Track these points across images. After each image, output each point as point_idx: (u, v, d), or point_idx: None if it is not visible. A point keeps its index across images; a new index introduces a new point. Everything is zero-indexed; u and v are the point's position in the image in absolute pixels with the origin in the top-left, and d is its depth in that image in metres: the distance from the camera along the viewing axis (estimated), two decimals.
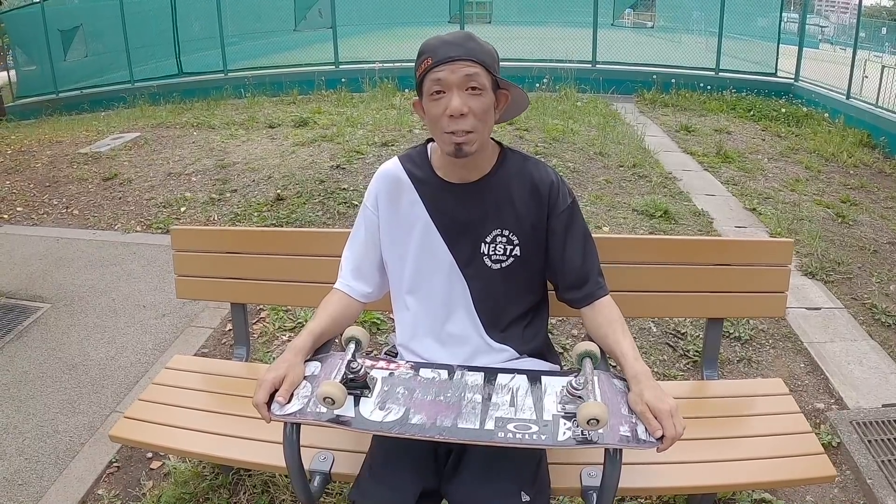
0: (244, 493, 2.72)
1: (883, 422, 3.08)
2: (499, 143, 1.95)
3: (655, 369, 3.50)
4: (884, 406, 3.24)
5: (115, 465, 3.01)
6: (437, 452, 1.83)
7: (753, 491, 2.64)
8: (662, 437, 1.55)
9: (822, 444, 2.76)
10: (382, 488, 1.76)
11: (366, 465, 1.86)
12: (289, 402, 1.68)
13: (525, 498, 1.71)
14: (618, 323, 1.86)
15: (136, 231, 5.87)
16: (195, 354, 3.77)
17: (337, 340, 1.92)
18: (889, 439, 2.96)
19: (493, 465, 1.73)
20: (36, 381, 3.63)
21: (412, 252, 1.94)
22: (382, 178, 1.98)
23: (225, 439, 2.21)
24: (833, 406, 3.29)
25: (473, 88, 1.70)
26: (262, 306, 4.15)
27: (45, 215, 6.49)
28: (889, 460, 2.84)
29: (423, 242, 1.92)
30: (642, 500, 2.65)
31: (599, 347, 1.81)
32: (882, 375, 3.49)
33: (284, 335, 3.87)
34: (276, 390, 1.69)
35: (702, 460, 2.07)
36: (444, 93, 1.70)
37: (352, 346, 1.76)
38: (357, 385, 1.68)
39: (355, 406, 1.66)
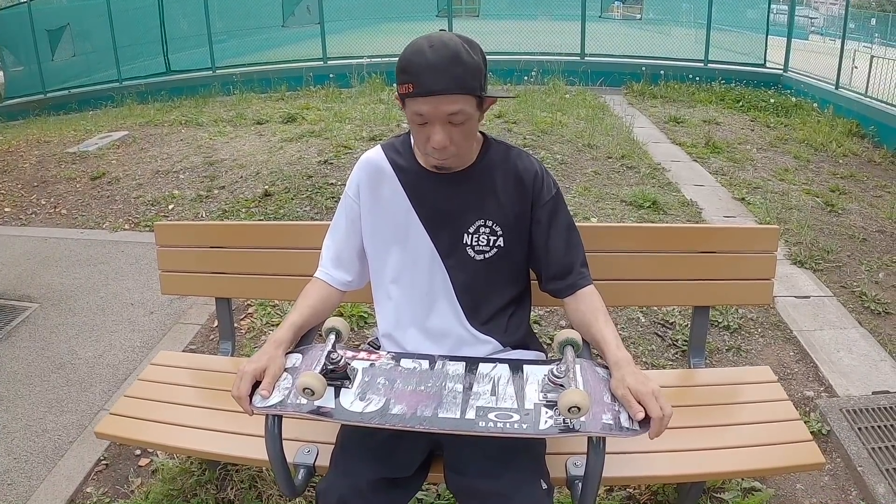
0: (232, 489, 2.71)
1: (873, 409, 3.08)
2: (482, 134, 1.93)
3: (643, 359, 3.50)
4: (874, 393, 3.25)
5: (103, 462, 2.99)
6: (415, 445, 1.82)
7: (743, 479, 2.63)
8: (646, 420, 1.53)
9: (812, 432, 2.77)
10: (337, 474, 1.76)
11: (331, 455, 1.86)
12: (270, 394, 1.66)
13: (544, 486, 1.71)
14: (600, 312, 1.85)
15: (124, 229, 5.84)
16: (183, 351, 3.75)
17: (320, 333, 1.91)
18: (879, 426, 2.97)
19: (509, 455, 1.72)
20: (24, 381, 3.60)
21: (393, 241, 1.92)
22: (364, 166, 1.96)
23: (210, 434, 2.20)
24: (823, 394, 3.29)
25: (455, 117, 1.67)
26: (249, 302, 4.14)
27: (33, 215, 6.45)
28: (879, 447, 2.83)
29: (405, 232, 1.90)
30: (631, 490, 2.64)
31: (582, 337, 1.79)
32: (871, 363, 3.50)
33: (272, 330, 3.83)
34: (258, 383, 1.67)
35: (690, 448, 2.06)
36: (427, 122, 1.68)
37: (332, 337, 1.75)
38: (337, 376, 1.67)
39: (336, 397, 1.64)
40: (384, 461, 1.76)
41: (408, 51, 1.67)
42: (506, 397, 1.63)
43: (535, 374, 1.70)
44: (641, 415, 1.54)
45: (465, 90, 1.64)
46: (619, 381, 1.62)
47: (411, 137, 1.94)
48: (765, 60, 12.51)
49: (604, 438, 1.56)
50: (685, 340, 3.60)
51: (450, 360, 1.78)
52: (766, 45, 12.48)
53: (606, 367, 1.71)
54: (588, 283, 1.93)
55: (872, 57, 10.19)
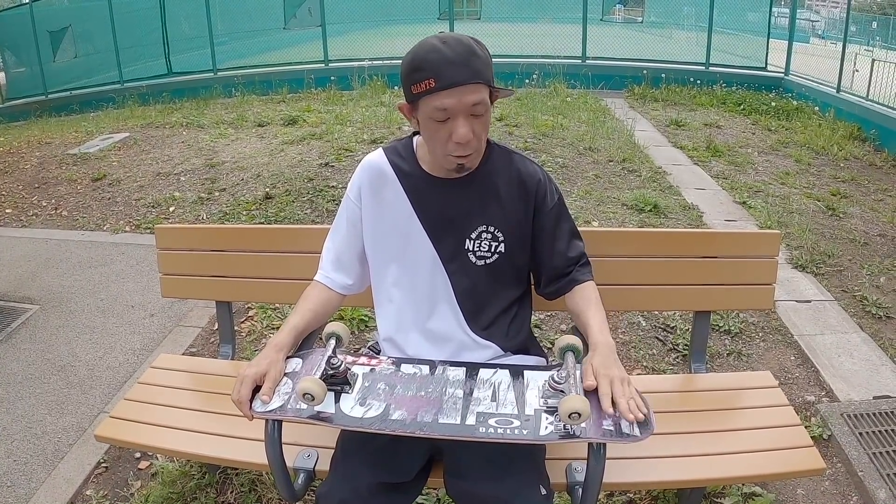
0: (231, 493, 2.71)
1: (874, 414, 3.07)
2: None
3: (644, 363, 3.50)
4: (875, 398, 3.23)
5: (103, 465, 2.99)
6: (415, 450, 1.81)
7: (743, 485, 2.63)
8: (647, 426, 1.53)
9: (813, 437, 2.77)
10: (337, 478, 1.75)
11: (331, 460, 1.86)
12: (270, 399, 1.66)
13: (543, 491, 1.71)
14: (592, 301, 1.88)
15: (125, 231, 5.84)
16: (183, 354, 3.74)
17: (321, 338, 1.90)
18: (880, 431, 2.95)
19: (509, 460, 1.72)
20: (24, 383, 3.60)
21: (394, 245, 1.92)
22: (366, 170, 1.95)
23: (211, 438, 2.19)
24: (824, 398, 3.28)
25: (477, 108, 1.67)
26: (250, 305, 4.14)
27: (33, 217, 6.44)
28: (880, 452, 2.83)
29: (406, 236, 1.90)
30: (631, 495, 2.64)
31: (581, 340, 1.79)
32: (873, 367, 3.49)
33: (272, 333, 3.83)
34: (258, 387, 1.67)
35: (690, 454, 2.06)
36: (449, 118, 1.67)
37: (332, 341, 1.75)
38: (337, 381, 1.67)
39: (336, 402, 1.64)
40: (384, 466, 1.76)
41: (419, 51, 1.67)
42: (506, 403, 1.63)
43: (536, 380, 1.70)
44: (590, 382, 1.58)
45: (484, 80, 1.66)
46: (587, 359, 1.66)
47: (414, 142, 1.94)
48: (766, 64, 12.52)
49: (604, 444, 1.56)
50: (686, 345, 3.59)
51: (450, 366, 1.78)
52: (767, 49, 12.48)
53: None
54: (588, 279, 1.95)
55: (874, 60, 10.16)
